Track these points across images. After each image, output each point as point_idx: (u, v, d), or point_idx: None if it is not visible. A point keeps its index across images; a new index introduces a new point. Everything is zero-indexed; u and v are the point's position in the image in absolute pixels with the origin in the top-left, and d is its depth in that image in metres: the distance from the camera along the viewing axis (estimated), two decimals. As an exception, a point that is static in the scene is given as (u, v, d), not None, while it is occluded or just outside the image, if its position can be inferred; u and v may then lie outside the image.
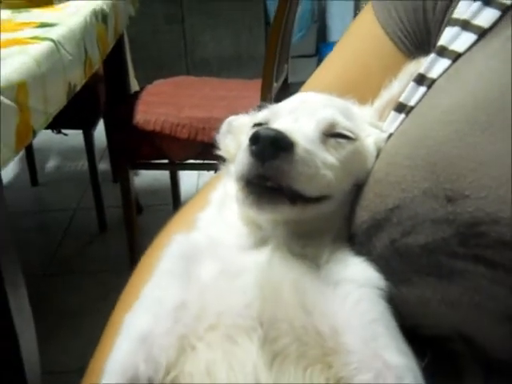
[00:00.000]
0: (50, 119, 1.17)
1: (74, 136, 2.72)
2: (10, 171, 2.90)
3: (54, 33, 1.25)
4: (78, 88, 1.37)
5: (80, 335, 1.68)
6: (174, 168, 2.21)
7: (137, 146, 1.91)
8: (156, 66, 3.34)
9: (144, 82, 2.41)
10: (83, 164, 2.70)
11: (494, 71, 0.46)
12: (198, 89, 2.18)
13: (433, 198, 0.41)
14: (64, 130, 2.69)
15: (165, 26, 3.53)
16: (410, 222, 0.42)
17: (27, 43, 1.16)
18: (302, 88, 0.67)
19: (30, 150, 2.71)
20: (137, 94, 2.14)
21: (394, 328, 0.43)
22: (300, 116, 0.50)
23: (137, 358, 0.42)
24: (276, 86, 1.91)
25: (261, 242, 0.48)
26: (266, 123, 0.52)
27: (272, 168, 0.44)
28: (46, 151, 3.05)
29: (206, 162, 1.88)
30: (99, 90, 2.30)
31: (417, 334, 0.44)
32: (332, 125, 0.50)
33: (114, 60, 2.16)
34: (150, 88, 2.20)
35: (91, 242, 2.34)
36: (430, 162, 0.43)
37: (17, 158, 3.01)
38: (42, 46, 1.15)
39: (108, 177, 2.68)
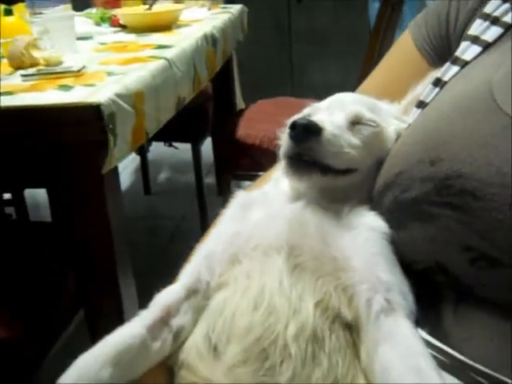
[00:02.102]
0: (161, 125, 1.34)
1: (184, 151, 2.96)
2: (126, 181, 3.19)
3: (169, 53, 1.44)
4: (187, 101, 1.55)
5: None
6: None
7: (238, 158, 2.09)
8: (262, 88, 3.54)
9: (250, 102, 2.58)
10: (191, 177, 2.92)
11: (484, 74, 0.58)
12: (297, 109, 2.32)
13: (423, 163, 0.54)
14: (175, 144, 2.95)
15: (273, 52, 3.74)
16: (407, 182, 0.55)
17: (146, 61, 1.35)
18: (356, 91, 0.81)
19: (144, 162, 2.97)
20: (241, 112, 2.34)
21: (391, 259, 0.56)
22: (333, 110, 0.65)
23: (200, 268, 0.59)
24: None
25: (298, 198, 0.62)
26: (308, 116, 0.66)
27: (305, 148, 0.58)
28: (158, 164, 3.32)
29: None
30: (208, 107, 2.50)
31: (412, 268, 0.56)
32: (357, 116, 0.64)
33: (222, 80, 2.36)
34: (253, 106, 2.38)
35: (193, 248, 2.53)
36: (424, 138, 0.56)
37: (133, 169, 3.33)
38: (158, 63, 1.34)
39: (213, 190, 2.88)
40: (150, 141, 2.98)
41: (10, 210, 2.20)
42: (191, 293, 0.57)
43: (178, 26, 1.90)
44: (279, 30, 3.70)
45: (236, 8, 2.34)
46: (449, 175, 0.50)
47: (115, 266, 1.18)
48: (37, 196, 2.58)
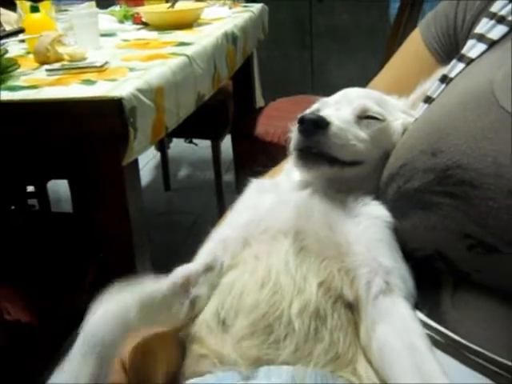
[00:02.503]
0: (180, 121, 1.37)
1: (204, 148, 2.99)
2: (147, 177, 3.24)
3: (189, 50, 1.47)
4: (206, 98, 1.58)
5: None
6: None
7: (256, 155, 2.11)
8: (283, 86, 3.55)
9: (270, 100, 2.60)
10: (210, 174, 2.96)
11: (487, 71, 0.60)
12: (315, 107, 2.35)
13: (425, 155, 0.56)
14: (195, 141, 2.98)
15: (294, 51, 3.76)
16: (410, 173, 0.57)
17: (167, 57, 1.38)
18: (367, 87, 0.84)
19: (164, 159, 3.01)
20: (260, 109, 2.36)
21: (393, 246, 0.58)
22: (341, 105, 0.68)
23: (216, 250, 0.62)
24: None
25: (306, 186, 0.65)
26: (317, 111, 0.69)
27: (313, 141, 0.61)
28: (178, 161, 3.37)
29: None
30: (228, 105, 2.53)
31: (413, 256, 0.59)
32: (364, 110, 0.67)
33: (243, 78, 2.39)
34: (272, 104, 2.41)
35: (210, 243, 2.57)
36: (428, 132, 0.59)
37: (153, 166, 3.37)
38: (178, 60, 1.37)
39: (231, 188, 2.91)
40: (170, 137, 3.02)
41: (32, 202, 2.25)
42: (208, 269, 0.61)
43: (199, 24, 1.93)
44: (300, 29, 3.72)
45: (257, 7, 2.37)
46: (449, 166, 0.53)
47: (134, 256, 1.21)
48: (59, 190, 2.63)
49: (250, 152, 2.13)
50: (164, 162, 3.03)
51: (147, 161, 3.40)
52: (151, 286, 0.59)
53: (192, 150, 3.34)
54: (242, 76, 2.34)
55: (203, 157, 3.18)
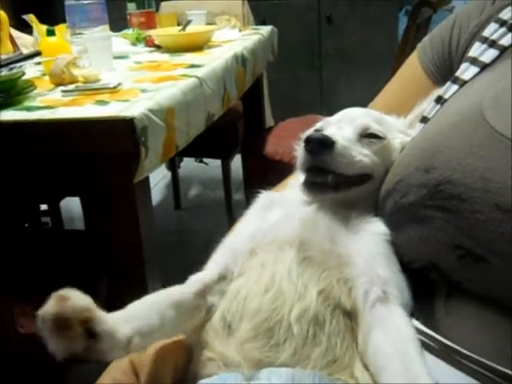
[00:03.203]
0: (190, 140, 1.40)
1: (214, 168, 3.03)
2: (158, 196, 3.27)
3: (200, 72, 1.51)
4: (216, 117, 1.61)
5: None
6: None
7: (266, 174, 2.14)
8: (292, 106, 3.59)
9: (280, 120, 2.64)
10: (220, 193, 2.99)
11: (477, 93, 0.64)
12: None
13: (419, 171, 0.59)
14: (205, 160, 3.02)
15: (303, 72, 3.81)
16: (406, 189, 0.60)
17: (178, 79, 1.42)
18: (368, 107, 0.88)
19: (175, 178, 3.05)
20: (270, 129, 2.40)
21: (391, 259, 0.61)
22: (343, 124, 0.71)
23: (227, 259, 0.65)
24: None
25: (312, 202, 0.68)
26: (320, 130, 0.72)
27: (320, 160, 0.65)
28: (189, 180, 3.40)
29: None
30: (238, 125, 2.57)
31: (410, 267, 0.61)
32: (366, 128, 0.70)
33: (252, 99, 2.44)
34: (281, 124, 2.45)
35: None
36: (422, 149, 0.62)
37: (164, 185, 3.41)
38: (189, 81, 1.41)
39: (242, 206, 2.93)
40: (181, 156, 3.07)
41: (45, 220, 2.29)
42: (221, 278, 0.64)
43: (210, 47, 1.98)
44: (309, 50, 3.78)
45: (266, 29, 2.42)
46: (440, 181, 0.56)
47: (145, 272, 1.24)
48: (72, 209, 2.68)
49: (259, 171, 2.16)
50: (175, 181, 3.06)
51: (158, 180, 3.44)
52: (179, 292, 0.62)
53: (202, 170, 3.39)
54: (252, 97, 2.38)
55: (213, 176, 3.21)
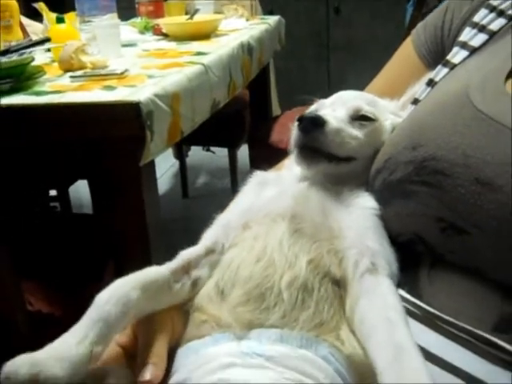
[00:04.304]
0: (196, 126, 1.43)
1: (221, 157, 3.06)
2: (165, 184, 3.32)
3: (205, 59, 1.54)
4: (222, 105, 1.64)
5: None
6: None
7: (271, 162, 2.17)
8: (299, 95, 3.60)
9: (287, 109, 2.67)
10: (227, 182, 3.03)
11: (465, 75, 0.67)
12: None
13: (407, 149, 0.62)
14: (212, 149, 3.04)
15: (311, 62, 3.83)
16: (394, 166, 0.63)
17: (184, 66, 1.45)
18: (364, 90, 0.91)
19: (183, 167, 3.09)
20: (276, 118, 2.43)
21: (380, 232, 0.64)
22: (336, 106, 0.74)
23: (218, 233, 0.68)
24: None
25: (305, 179, 0.72)
26: (315, 111, 0.74)
27: (312, 138, 0.67)
28: (197, 169, 3.44)
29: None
30: (245, 114, 2.60)
31: (397, 240, 0.64)
32: (357, 110, 0.73)
33: (259, 88, 2.46)
34: (287, 113, 2.47)
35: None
36: (411, 129, 0.65)
37: (172, 174, 3.44)
38: (195, 68, 1.43)
39: (248, 195, 2.97)
40: (188, 145, 3.10)
41: (55, 205, 2.34)
42: (209, 251, 0.67)
43: (217, 35, 2.00)
44: (317, 40, 3.79)
45: (273, 19, 2.44)
46: (425, 158, 0.59)
47: (150, 254, 1.27)
48: (81, 196, 2.72)
49: (265, 158, 2.18)
50: (182, 170, 3.10)
51: (166, 169, 3.48)
52: (153, 270, 0.64)
53: (210, 159, 3.41)
54: (258, 86, 2.41)
55: (221, 165, 3.25)
